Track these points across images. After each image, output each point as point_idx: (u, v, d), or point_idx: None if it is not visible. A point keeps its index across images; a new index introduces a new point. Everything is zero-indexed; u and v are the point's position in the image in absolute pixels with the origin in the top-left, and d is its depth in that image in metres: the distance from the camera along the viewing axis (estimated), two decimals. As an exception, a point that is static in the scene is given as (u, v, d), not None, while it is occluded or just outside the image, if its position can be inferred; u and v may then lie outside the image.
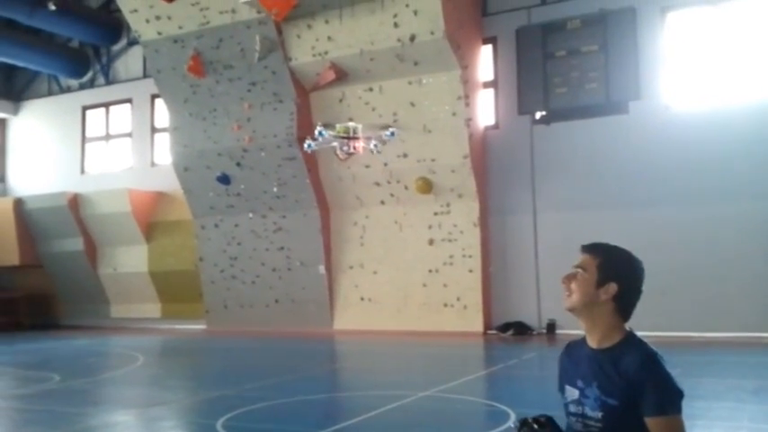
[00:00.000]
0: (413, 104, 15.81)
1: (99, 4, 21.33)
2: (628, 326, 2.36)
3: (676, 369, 2.31)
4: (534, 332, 15.56)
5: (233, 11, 16.03)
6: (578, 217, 15.22)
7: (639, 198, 14.66)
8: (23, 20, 19.09)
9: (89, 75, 21.93)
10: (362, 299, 16.83)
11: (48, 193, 20.61)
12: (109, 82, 21.65)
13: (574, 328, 15.30)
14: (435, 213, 16.29)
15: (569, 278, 2.41)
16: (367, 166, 16.60)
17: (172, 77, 17.59)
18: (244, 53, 16.46)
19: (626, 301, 2.33)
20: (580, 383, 2.36)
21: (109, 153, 21.77)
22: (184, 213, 18.72)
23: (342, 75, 16.06)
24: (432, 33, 14.74)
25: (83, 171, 21.94)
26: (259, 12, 15.58)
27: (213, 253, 18.29)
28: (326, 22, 15.69)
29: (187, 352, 15.54)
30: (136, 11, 17.11)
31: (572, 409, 2.36)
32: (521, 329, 15.58)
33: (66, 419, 7.92)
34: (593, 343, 2.38)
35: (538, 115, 15.81)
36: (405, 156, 16.13)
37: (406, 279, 16.42)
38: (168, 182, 19.01)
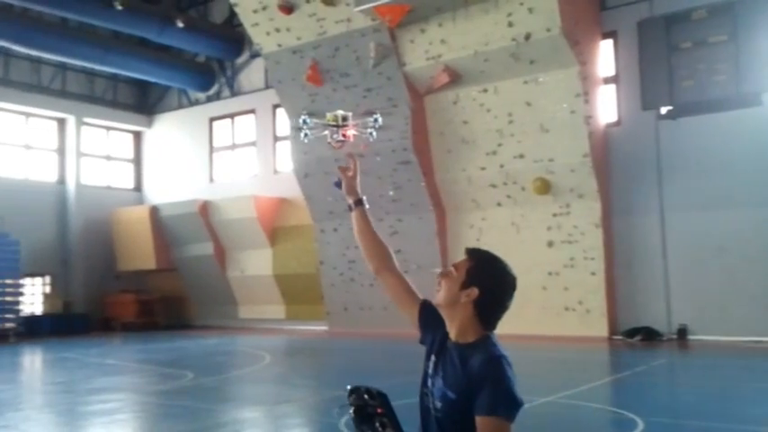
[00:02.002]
0: (529, 104, 15.54)
1: (223, 19, 22.41)
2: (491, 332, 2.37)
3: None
4: (664, 338, 14.86)
5: (348, 20, 16.39)
6: (709, 216, 14.44)
7: (778, 195, 13.69)
8: (154, 38, 20.42)
9: (215, 88, 23.08)
10: (480, 302, 16.68)
11: (180, 201, 21.86)
12: (233, 94, 22.70)
13: (707, 334, 14.50)
14: (554, 214, 15.92)
15: (442, 275, 2.42)
16: (483, 168, 16.48)
17: (292, 87, 18.20)
18: (359, 61, 16.78)
19: (485, 309, 2.34)
20: (431, 369, 2.39)
21: (235, 161, 22.82)
22: (305, 218, 19.30)
23: (456, 77, 16.03)
24: (548, 30, 14.44)
25: (211, 179, 23.10)
26: (373, 19, 15.85)
27: (333, 256, 18.73)
28: (440, 25, 15.72)
29: (310, 352, 16.00)
30: (257, 24, 17.84)
31: (428, 383, 2.39)
32: (649, 335, 14.93)
33: (199, 415, 8.36)
34: (452, 336, 2.38)
35: (663, 110, 15.10)
36: (521, 156, 15.87)
37: (524, 282, 15.78)
38: (290, 188, 19.67)
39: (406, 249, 17.59)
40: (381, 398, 2.30)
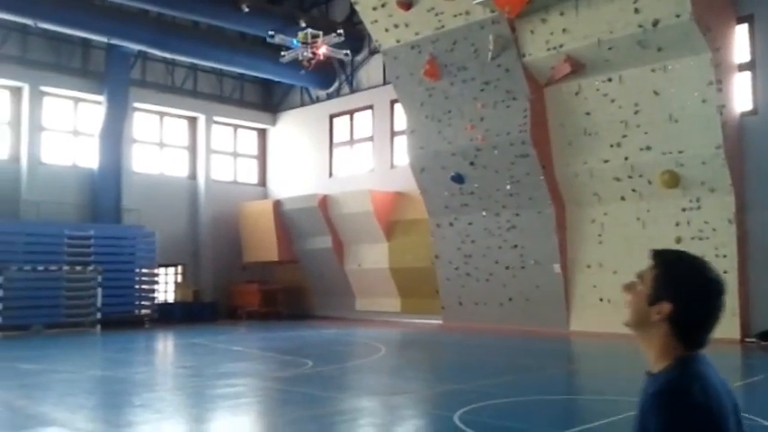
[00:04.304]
0: (656, 93, 14.85)
1: (343, 17, 22.85)
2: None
3: None
4: (804, 342, 13.81)
5: (467, 13, 16.28)
6: None
7: None
8: (278, 38, 21.09)
9: (335, 85, 23.60)
10: (602, 300, 16.15)
11: (301, 195, 22.55)
12: (352, 90, 23.11)
13: None
14: (683, 209, 15.14)
15: (628, 288, 1.97)
16: (606, 161, 15.91)
17: (409, 82, 18.31)
18: (477, 53, 16.64)
19: (685, 326, 1.84)
20: None
21: (353, 157, 23.26)
22: (421, 212, 19.38)
23: (578, 67, 15.57)
24: (677, 16, 13.73)
25: (330, 174, 23.66)
26: (492, 11, 15.66)
27: (448, 251, 18.71)
28: (561, 14, 15.31)
29: (425, 345, 16.08)
30: (376, 21, 18.07)
31: None
32: (787, 338, 13.92)
33: (318, 402, 8.61)
34: (649, 366, 1.90)
35: (806, 97, 14.00)
36: (648, 148, 15.20)
37: (649, 280, 15.42)
38: (406, 182, 19.82)
39: (524, 244, 17.31)
40: None
